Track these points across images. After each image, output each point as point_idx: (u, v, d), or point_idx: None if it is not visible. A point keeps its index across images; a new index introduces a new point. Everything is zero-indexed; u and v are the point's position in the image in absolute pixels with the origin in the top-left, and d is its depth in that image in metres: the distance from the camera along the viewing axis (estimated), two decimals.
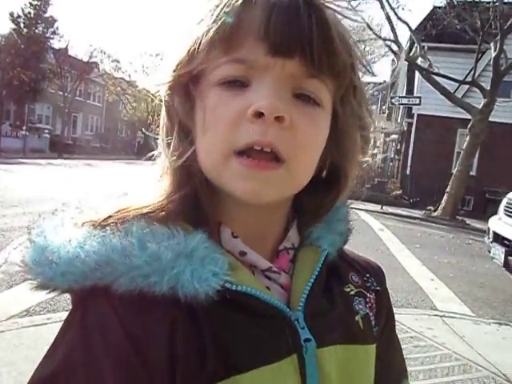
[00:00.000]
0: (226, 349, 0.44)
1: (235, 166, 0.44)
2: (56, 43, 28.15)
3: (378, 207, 12.45)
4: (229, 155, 0.45)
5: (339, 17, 0.49)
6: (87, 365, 0.41)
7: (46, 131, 27.76)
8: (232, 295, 0.45)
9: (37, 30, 25.51)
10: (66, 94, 28.99)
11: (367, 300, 0.57)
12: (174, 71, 0.48)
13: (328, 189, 0.54)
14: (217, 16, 0.45)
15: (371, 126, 0.54)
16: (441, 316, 4.12)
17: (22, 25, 25.23)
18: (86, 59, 31.55)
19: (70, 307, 0.48)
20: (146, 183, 0.53)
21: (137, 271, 0.42)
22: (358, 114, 0.52)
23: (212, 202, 0.49)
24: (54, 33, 26.59)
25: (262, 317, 0.47)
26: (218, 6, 0.46)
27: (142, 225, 0.45)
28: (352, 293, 0.56)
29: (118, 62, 34.97)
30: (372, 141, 0.58)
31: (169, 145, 0.50)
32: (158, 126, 0.53)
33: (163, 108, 0.51)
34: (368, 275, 0.60)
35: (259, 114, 0.43)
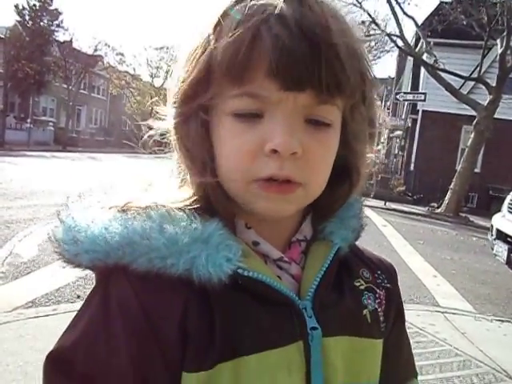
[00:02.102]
0: (234, 331, 0.46)
1: (256, 190, 0.48)
2: (61, 36, 28.25)
3: (381, 203, 12.43)
4: (249, 182, 0.48)
5: (347, 18, 0.49)
6: (105, 336, 0.45)
7: (51, 124, 27.80)
8: (243, 281, 0.47)
9: (42, 23, 25.51)
10: (70, 87, 28.99)
11: (377, 296, 0.58)
12: (184, 102, 0.50)
13: (341, 184, 0.56)
14: (227, 49, 0.45)
15: (379, 124, 0.56)
16: (443, 312, 4.14)
17: (27, 17, 25.25)
18: (90, 52, 31.53)
19: (93, 285, 0.52)
20: (164, 179, 0.55)
21: (155, 253, 0.46)
22: (367, 116, 0.54)
23: (225, 206, 0.51)
24: (58, 25, 26.59)
25: (271, 303, 0.49)
26: (224, 37, 0.46)
27: (161, 211, 0.48)
28: (362, 287, 0.57)
29: (122, 55, 35.01)
30: (377, 137, 0.59)
31: (187, 163, 0.52)
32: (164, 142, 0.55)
33: (174, 132, 0.52)
34: (379, 272, 0.61)
35: (275, 151, 0.46)
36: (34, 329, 2.92)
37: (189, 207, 0.50)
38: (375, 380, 0.56)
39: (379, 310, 0.57)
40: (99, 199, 0.52)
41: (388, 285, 0.60)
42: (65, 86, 28.63)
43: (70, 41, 29.06)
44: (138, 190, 0.54)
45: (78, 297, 3.69)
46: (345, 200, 0.57)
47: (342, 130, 0.52)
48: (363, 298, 0.56)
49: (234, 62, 0.45)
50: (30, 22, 25.09)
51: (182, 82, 0.49)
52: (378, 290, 0.58)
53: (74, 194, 0.53)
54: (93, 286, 0.51)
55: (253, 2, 0.46)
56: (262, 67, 0.45)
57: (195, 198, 0.51)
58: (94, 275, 0.51)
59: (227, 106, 0.47)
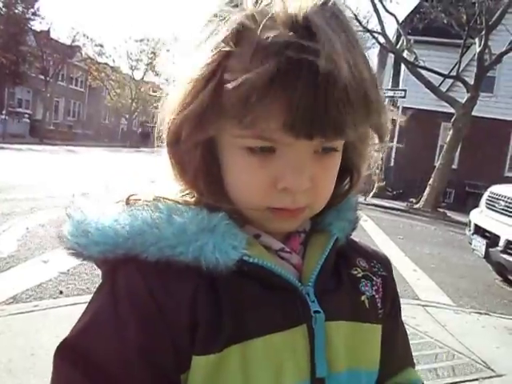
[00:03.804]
0: (241, 315, 0.48)
1: (270, 215, 0.50)
2: (37, 25, 27.43)
3: (361, 198, 12.57)
4: (263, 210, 0.50)
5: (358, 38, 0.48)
6: (113, 321, 0.46)
7: (26, 116, 27.09)
8: (249, 267, 0.49)
9: (16, 10, 24.73)
10: (47, 78, 28.29)
11: (373, 283, 0.60)
12: (191, 134, 0.48)
13: (342, 182, 0.58)
14: (239, 89, 0.42)
15: (385, 124, 0.55)
16: (423, 306, 4.22)
17: (0, 4, 24.47)
18: (68, 43, 30.79)
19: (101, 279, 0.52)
20: (164, 175, 0.55)
21: (165, 242, 0.47)
22: (373, 123, 0.53)
23: (228, 209, 0.51)
24: (34, 14, 25.87)
25: (275, 289, 0.51)
26: (237, 69, 0.43)
27: (168, 203, 0.50)
28: (359, 275, 0.59)
29: (101, 46, 34.31)
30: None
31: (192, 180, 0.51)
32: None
33: (173, 162, 0.52)
34: (375, 261, 0.63)
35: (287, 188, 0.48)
36: (16, 325, 2.86)
37: (193, 199, 0.52)
38: (375, 367, 0.58)
39: (376, 296, 0.60)
40: (103, 195, 0.53)
41: (384, 273, 0.63)
42: (41, 76, 27.91)
43: (48, 30, 28.31)
44: (139, 184, 0.55)
45: (61, 292, 3.60)
46: (344, 197, 0.60)
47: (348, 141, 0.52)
48: (360, 285, 0.59)
49: (245, 107, 0.43)
50: (4, 9, 24.30)
51: (181, 108, 0.47)
52: (374, 278, 0.60)
53: (78, 193, 0.54)
54: (101, 281, 0.52)
55: (267, 22, 0.42)
56: (276, 120, 0.43)
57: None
58: (90, 275, 0.51)
59: (238, 143, 0.47)
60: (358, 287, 0.58)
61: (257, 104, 0.42)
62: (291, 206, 0.49)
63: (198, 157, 0.50)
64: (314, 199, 0.51)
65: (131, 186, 0.54)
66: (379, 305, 0.60)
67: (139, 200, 0.51)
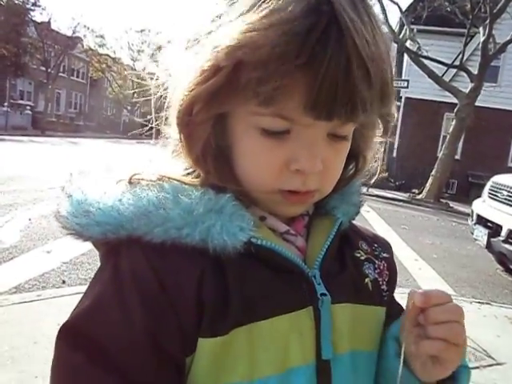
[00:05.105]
0: (248, 298, 0.47)
1: (279, 199, 0.50)
2: (38, 16, 27.36)
3: (363, 189, 12.55)
4: (273, 192, 0.50)
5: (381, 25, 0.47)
6: (118, 306, 0.45)
7: (28, 108, 27.07)
8: (256, 249, 0.49)
9: (16, 1, 24.58)
10: (48, 70, 28.22)
11: (376, 266, 0.60)
12: (205, 108, 0.46)
13: (347, 166, 0.58)
14: (259, 64, 0.41)
15: (394, 116, 0.56)
16: None
17: None
18: (69, 34, 30.65)
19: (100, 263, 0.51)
20: (166, 156, 0.55)
21: (171, 223, 0.46)
22: (381, 110, 0.52)
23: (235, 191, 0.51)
24: (35, 4, 25.74)
25: (282, 271, 0.51)
26: (257, 38, 0.42)
27: (174, 183, 0.49)
28: (362, 258, 0.59)
29: (102, 37, 34.19)
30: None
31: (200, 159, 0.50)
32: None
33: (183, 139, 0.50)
34: (376, 245, 0.63)
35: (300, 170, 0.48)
36: (20, 314, 2.88)
37: (198, 180, 0.51)
38: (376, 348, 0.58)
39: (380, 279, 0.60)
40: (103, 175, 0.51)
41: (387, 255, 0.63)
42: (43, 68, 27.85)
43: (48, 21, 28.20)
44: (139, 165, 0.53)
45: (64, 282, 3.64)
46: (348, 182, 0.60)
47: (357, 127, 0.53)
48: (364, 268, 0.59)
49: (267, 82, 0.42)
50: (4, 0, 24.15)
51: (198, 83, 0.45)
52: (376, 261, 0.60)
53: (76, 171, 0.52)
54: (101, 263, 0.51)
55: None
56: (297, 98, 0.43)
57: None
58: (93, 265, 0.50)
59: (255, 121, 0.46)
60: (361, 270, 0.58)
61: (278, 79, 0.41)
62: (302, 188, 0.49)
63: (209, 130, 0.48)
64: (323, 183, 0.51)
65: (131, 166, 0.52)
66: (384, 287, 0.60)
67: (142, 180, 0.49)
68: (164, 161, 0.54)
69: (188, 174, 0.53)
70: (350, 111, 0.44)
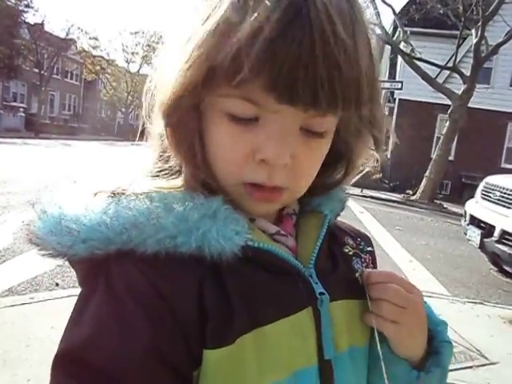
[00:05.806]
0: (249, 303, 0.46)
1: (243, 193, 0.48)
2: (31, 17, 27.21)
3: (358, 190, 12.60)
4: (238, 184, 0.48)
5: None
6: (117, 324, 0.42)
7: (21, 110, 26.90)
8: (253, 252, 0.47)
9: (9, 2, 24.44)
10: (42, 72, 28.08)
11: (363, 260, 0.60)
12: (177, 105, 0.46)
13: (336, 169, 0.57)
14: (231, 48, 0.41)
15: (383, 126, 0.54)
16: None
17: None
18: (62, 36, 30.54)
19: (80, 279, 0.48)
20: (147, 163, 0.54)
21: (164, 232, 0.44)
22: (369, 117, 0.51)
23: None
24: (27, 6, 25.60)
25: (280, 273, 0.50)
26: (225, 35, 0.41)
27: (162, 192, 0.47)
28: (350, 253, 0.60)
29: (96, 39, 34.09)
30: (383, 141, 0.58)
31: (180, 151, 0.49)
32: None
33: (167, 131, 0.49)
34: (359, 239, 0.64)
35: (265, 160, 0.45)
36: (12, 317, 2.86)
37: (181, 184, 0.50)
38: (367, 342, 0.58)
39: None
40: (80, 187, 0.49)
41: (370, 248, 0.63)
42: (36, 70, 27.70)
43: (42, 23, 28.06)
44: (119, 174, 0.51)
45: (57, 285, 3.61)
46: (336, 185, 0.59)
47: (340, 130, 0.51)
48: (353, 263, 0.59)
49: (234, 62, 0.41)
50: None
51: (178, 82, 0.44)
52: (362, 255, 0.61)
53: (43, 186, 0.49)
54: (83, 280, 0.48)
55: None
56: (262, 79, 0.41)
57: (190, 184, 0.50)
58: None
59: (222, 105, 0.45)
60: (350, 265, 0.58)
61: (245, 59, 0.40)
62: (267, 182, 0.47)
63: (196, 121, 0.47)
64: (293, 182, 0.48)
65: (99, 178, 0.50)
66: None
67: (125, 191, 0.47)
68: (134, 165, 0.52)
69: (162, 173, 0.51)
70: (313, 98, 0.42)
